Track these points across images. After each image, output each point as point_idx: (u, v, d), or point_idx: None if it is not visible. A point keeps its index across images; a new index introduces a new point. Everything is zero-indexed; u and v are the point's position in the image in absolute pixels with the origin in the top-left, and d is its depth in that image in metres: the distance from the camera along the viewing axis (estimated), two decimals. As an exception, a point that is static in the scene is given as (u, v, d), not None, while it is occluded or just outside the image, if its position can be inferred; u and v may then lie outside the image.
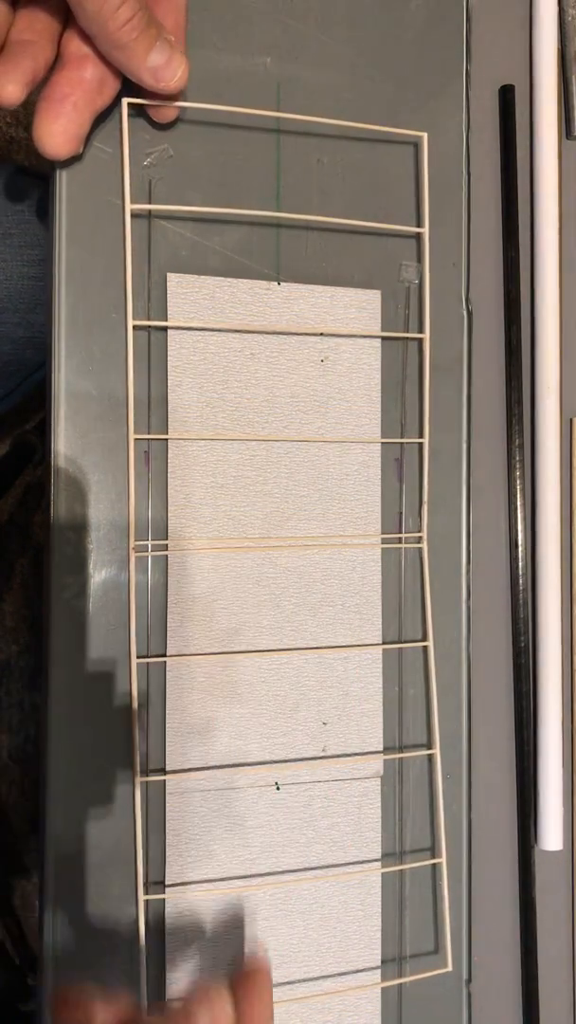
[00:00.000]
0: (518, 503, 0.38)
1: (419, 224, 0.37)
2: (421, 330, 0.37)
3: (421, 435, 0.37)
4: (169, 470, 0.33)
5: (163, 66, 0.30)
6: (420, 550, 0.36)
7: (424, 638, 0.36)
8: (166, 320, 0.33)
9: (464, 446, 0.38)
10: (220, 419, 0.34)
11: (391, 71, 0.37)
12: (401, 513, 0.36)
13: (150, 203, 0.33)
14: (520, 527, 0.38)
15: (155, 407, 0.33)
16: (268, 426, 0.35)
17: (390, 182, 0.37)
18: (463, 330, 0.38)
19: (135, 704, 0.32)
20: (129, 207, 0.32)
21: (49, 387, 0.33)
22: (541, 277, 0.38)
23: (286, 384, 0.35)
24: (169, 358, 0.33)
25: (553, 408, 0.38)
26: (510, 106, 0.38)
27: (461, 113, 0.38)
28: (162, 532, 0.33)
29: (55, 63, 0.30)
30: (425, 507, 0.36)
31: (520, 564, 0.38)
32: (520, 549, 0.38)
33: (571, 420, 0.39)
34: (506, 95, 0.38)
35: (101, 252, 0.33)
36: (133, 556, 0.32)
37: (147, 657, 0.33)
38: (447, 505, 0.37)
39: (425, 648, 0.36)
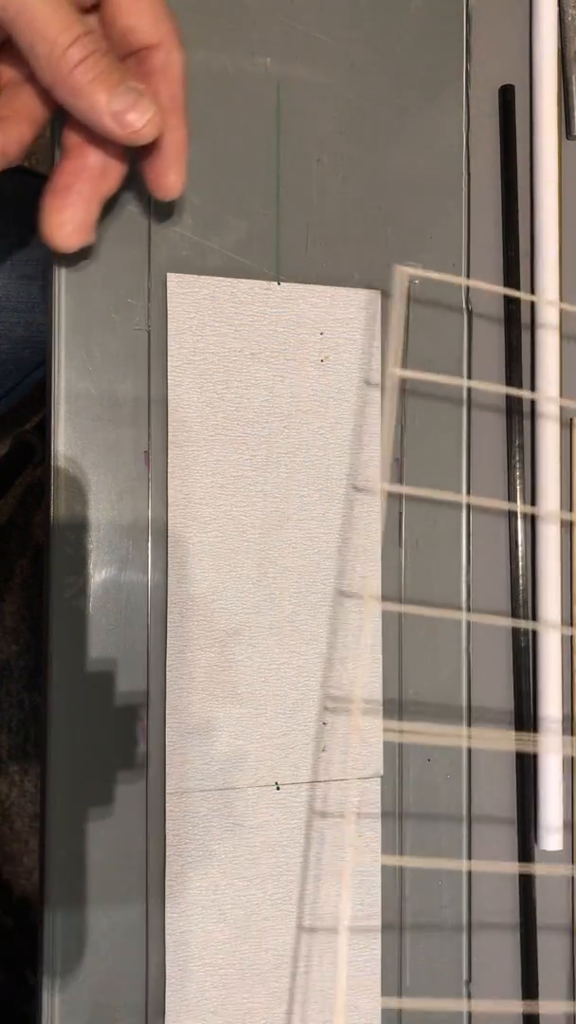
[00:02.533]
0: (518, 503, 0.38)
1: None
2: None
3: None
4: (169, 470, 0.33)
5: (126, 110, 0.27)
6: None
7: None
8: (166, 322, 0.33)
9: (464, 446, 0.38)
10: (220, 419, 0.34)
11: (391, 71, 0.37)
12: (401, 513, 0.36)
13: (150, 204, 0.33)
14: (520, 527, 0.38)
15: (155, 407, 0.33)
16: (268, 426, 0.35)
17: (390, 182, 0.37)
18: (463, 330, 0.38)
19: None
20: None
21: (49, 387, 0.33)
22: (541, 277, 0.38)
23: (286, 384, 0.35)
24: (169, 358, 0.33)
25: (553, 408, 0.38)
26: (510, 106, 0.38)
27: (461, 113, 0.38)
28: (162, 532, 0.33)
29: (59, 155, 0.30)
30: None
31: (520, 564, 0.38)
32: (520, 549, 0.38)
33: (571, 420, 0.39)
34: (506, 95, 0.38)
35: (101, 253, 0.33)
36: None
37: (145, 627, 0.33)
38: (446, 505, 0.37)
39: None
